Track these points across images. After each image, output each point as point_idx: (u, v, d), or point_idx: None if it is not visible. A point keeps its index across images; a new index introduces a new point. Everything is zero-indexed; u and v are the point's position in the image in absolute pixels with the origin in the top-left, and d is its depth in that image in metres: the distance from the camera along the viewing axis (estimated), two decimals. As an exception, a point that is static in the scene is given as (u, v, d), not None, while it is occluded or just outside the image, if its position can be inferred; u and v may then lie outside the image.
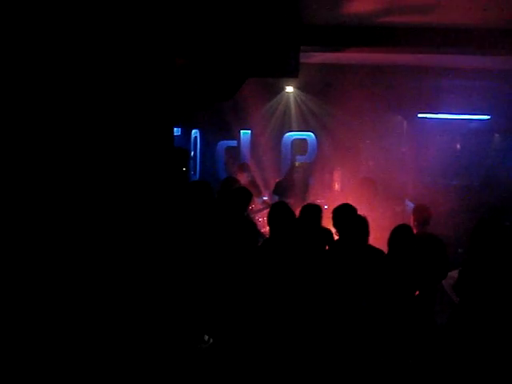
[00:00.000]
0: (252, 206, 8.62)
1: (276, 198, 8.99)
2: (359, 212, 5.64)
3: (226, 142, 11.18)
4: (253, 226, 5.99)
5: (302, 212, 5.69)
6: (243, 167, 9.52)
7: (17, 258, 3.20)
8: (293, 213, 5.53)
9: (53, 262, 3.48)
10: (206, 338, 4.76)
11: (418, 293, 5.18)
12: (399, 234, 5.23)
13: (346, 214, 5.50)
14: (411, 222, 6.18)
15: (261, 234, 8.42)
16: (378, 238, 5.40)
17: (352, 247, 5.22)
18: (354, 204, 5.95)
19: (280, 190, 9.24)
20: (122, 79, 3.91)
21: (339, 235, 5.48)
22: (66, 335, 3.46)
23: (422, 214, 6.17)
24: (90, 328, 3.63)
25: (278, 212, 5.48)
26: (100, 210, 3.79)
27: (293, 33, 6.78)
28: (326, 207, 8.19)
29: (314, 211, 5.68)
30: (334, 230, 5.67)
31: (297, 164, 9.84)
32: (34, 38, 3.35)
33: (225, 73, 4.89)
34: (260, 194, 9.42)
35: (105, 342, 3.68)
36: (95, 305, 3.68)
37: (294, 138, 10.98)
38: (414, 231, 5.97)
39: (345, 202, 5.86)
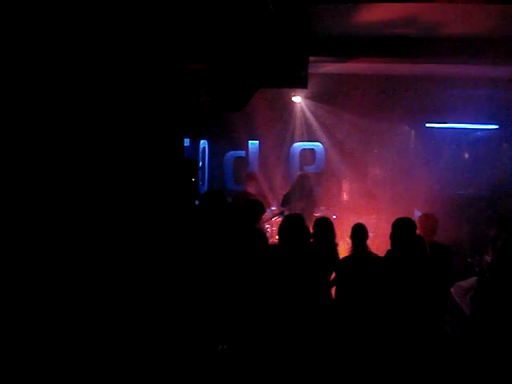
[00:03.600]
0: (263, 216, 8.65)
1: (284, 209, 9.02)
2: (364, 221, 5.69)
3: (234, 152, 11.20)
4: (263, 236, 6.00)
5: (315, 227, 5.67)
6: (251, 176, 9.55)
7: (17, 258, 3.20)
8: (306, 226, 5.49)
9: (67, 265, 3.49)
10: (220, 347, 4.77)
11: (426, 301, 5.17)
12: (401, 227, 5.23)
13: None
14: (417, 230, 6.16)
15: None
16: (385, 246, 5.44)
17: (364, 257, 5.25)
18: (360, 213, 5.99)
19: (287, 201, 9.25)
20: (135, 89, 3.94)
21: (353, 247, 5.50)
22: (72, 340, 3.45)
23: (428, 222, 6.14)
24: (99, 335, 3.64)
25: (291, 225, 5.42)
26: (111, 220, 3.81)
27: (302, 44, 6.83)
28: (334, 217, 8.23)
29: (327, 226, 5.67)
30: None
31: (302, 174, 9.83)
32: (43, 40, 3.37)
33: (236, 84, 4.93)
34: (269, 205, 9.44)
35: (114, 353, 3.68)
36: (107, 313, 3.69)
37: (302, 147, 11.00)
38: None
39: (353, 211, 5.88)
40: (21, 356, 3.12)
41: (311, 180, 9.52)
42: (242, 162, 11.11)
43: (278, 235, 5.50)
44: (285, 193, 9.44)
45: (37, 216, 3.30)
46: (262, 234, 6.18)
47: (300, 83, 7.63)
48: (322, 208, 9.25)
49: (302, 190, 9.26)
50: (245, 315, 4.95)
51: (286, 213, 8.87)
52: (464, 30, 7.34)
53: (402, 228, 5.19)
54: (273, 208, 9.60)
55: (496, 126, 10.43)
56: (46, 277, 3.29)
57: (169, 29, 4.04)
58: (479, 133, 10.53)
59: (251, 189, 9.15)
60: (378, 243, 5.72)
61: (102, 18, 3.57)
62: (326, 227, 5.58)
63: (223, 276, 5.18)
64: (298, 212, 6.53)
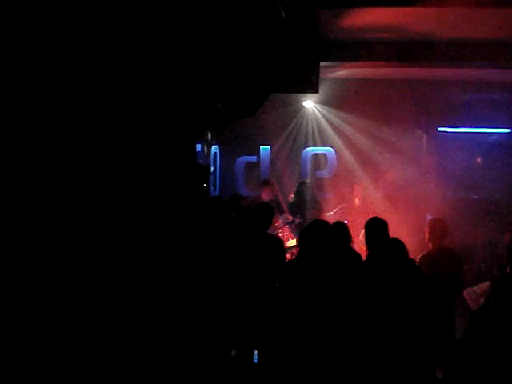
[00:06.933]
0: (277, 223, 8.68)
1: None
2: None
3: (245, 157, 11.21)
4: (279, 242, 5.99)
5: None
6: (267, 183, 9.55)
7: (18, 258, 3.20)
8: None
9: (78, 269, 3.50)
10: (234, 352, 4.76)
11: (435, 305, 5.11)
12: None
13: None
14: (426, 235, 6.12)
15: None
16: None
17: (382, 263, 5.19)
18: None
19: (293, 209, 9.25)
20: (147, 95, 3.96)
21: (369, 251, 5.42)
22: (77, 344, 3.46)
23: (438, 227, 6.08)
24: (109, 340, 3.65)
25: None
26: (122, 225, 3.82)
27: (313, 49, 6.85)
28: (346, 222, 8.21)
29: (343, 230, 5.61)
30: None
31: (306, 181, 9.81)
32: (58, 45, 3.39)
33: (248, 89, 4.94)
34: (283, 211, 9.44)
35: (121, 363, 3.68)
36: (120, 318, 3.71)
37: (314, 152, 10.98)
38: (430, 245, 5.92)
39: (365, 216, 5.85)
40: (21, 356, 3.13)
41: (310, 187, 9.51)
42: (254, 167, 11.13)
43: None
44: (288, 202, 9.45)
45: (46, 216, 3.32)
46: (279, 239, 6.16)
47: (311, 88, 7.66)
48: (333, 212, 9.26)
49: (303, 197, 9.26)
50: (258, 320, 4.94)
51: (298, 221, 8.88)
52: (477, 33, 7.31)
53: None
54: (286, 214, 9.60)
55: (508, 130, 10.37)
56: (49, 276, 3.30)
57: (181, 34, 4.07)
58: (492, 137, 10.46)
59: (266, 195, 9.17)
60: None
61: (118, 23, 3.61)
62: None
63: (234, 280, 5.20)
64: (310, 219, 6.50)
